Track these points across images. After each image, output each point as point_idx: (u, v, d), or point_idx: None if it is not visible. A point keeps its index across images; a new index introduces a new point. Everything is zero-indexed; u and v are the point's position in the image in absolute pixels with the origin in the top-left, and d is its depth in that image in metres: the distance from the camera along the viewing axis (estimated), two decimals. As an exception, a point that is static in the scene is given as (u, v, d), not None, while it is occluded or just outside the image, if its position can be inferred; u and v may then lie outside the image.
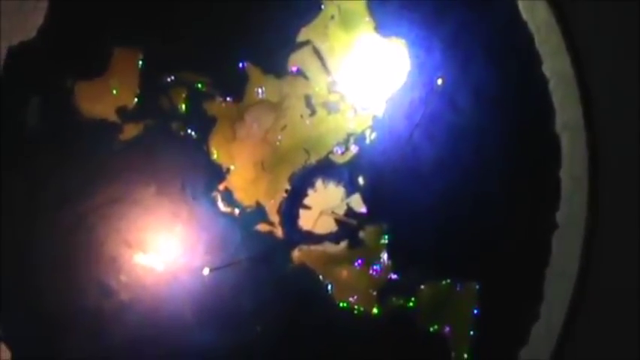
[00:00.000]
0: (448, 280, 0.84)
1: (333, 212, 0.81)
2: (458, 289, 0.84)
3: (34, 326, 0.80)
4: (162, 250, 0.79)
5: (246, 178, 0.82)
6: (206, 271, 0.79)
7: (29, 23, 0.78)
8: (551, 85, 0.83)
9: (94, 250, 0.80)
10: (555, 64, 0.84)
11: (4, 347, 0.79)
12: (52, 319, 0.80)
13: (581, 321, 0.85)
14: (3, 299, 0.77)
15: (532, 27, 0.83)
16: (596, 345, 0.86)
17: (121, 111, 0.81)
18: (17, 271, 0.79)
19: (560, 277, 0.84)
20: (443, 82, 0.81)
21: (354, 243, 0.84)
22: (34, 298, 0.79)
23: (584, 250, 0.84)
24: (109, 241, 0.80)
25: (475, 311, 0.85)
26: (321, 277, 0.83)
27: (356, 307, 0.84)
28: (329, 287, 0.84)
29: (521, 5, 0.83)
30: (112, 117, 0.81)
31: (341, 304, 0.84)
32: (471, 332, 0.85)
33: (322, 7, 0.81)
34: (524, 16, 0.83)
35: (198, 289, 0.81)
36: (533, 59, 0.84)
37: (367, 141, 0.83)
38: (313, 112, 0.82)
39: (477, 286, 0.84)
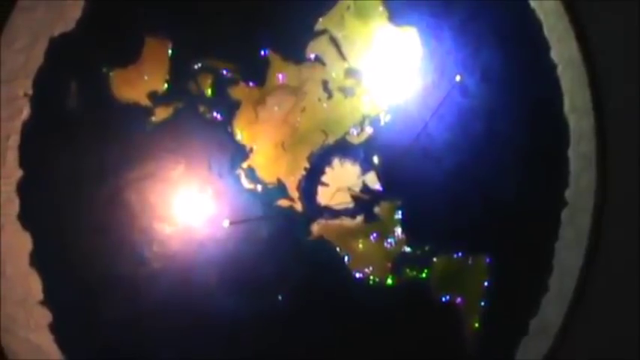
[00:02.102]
0: (459, 254, 0.96)
1: (349, 189, 0.95)
2: (469, 261, 0.96)
3: (74, 291, 0.91)
4: (190, 223, 0.92)
5: (268, 157, 0.93)
6: (226, 223, 0.92)
7: (68, 16, 0.90)
8: (559, 70, 0.94)
9: (128, 222, 0.91)
10: (563, 50, 0.94)
11: (45, 311, 0.92)
12: (91, 284, 0.90)
13: (590, 293, 0.96)
14: (46, 266, 0.91)
15: (540, 14, 0.93)
16: (604, 317, 0.96)
17: (152, 95, 0.92)
18: (59, 239, 0.90)
19: (569, 251, 0.95)
20: (461, 78, 0.92)
21: (370, 217, 0.95)
22: (74, 265, 0.91)
23: (592, 225, 0.95)
24: (143, 214, 0.91)
25: (486, 283, 0.96)
26: (338, 249, 0.95)
27: (371, 277, 0.95)
28: (345, 258, 0.95)
29: None
30: (144, 101, 0.91)
31: (357, 275, 0.96)
32: (482, 303, 0.96)
33: (339, -2, 0.93)
34: (533, 3, 0.93)
35: (224, 259, 0.92)
36: (541, 45, 0.94)
37: (381, 123, 0.94)
38: (330, 96, 0.93)
39: (488, 259, 0.95)
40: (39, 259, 0.91)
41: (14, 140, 0.90)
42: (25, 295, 0.91)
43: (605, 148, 0.95)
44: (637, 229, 0.95)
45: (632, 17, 0.95)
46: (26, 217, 0.91)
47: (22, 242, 0.91)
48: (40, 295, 0.92)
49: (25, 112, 0.90)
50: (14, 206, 0.91)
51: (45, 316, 0.92)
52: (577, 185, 0.95)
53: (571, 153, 0.95)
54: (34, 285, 0.91)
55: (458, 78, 0.92)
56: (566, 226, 0.96)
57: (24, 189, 0.91)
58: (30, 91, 0.90)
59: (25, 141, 0.90)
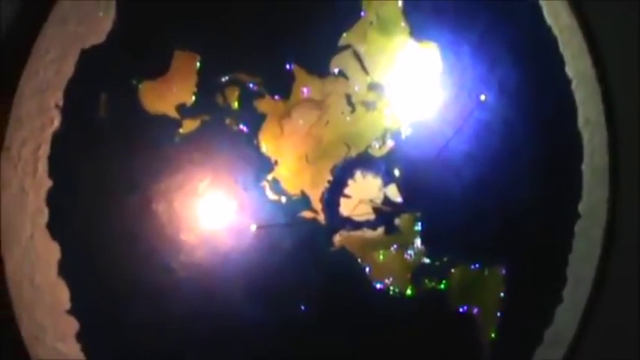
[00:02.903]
0: (476, 265, 1.01)
1: (371, 201, 1.00)
2: (486, 273, 1.01)
3: (101, 300, 0.94)
4: (216, 234, 0.97)
5: (292, 170, 0.97)
6: (253, 228, 0.97)
7: (99, 28, 0.93)
8: (574, 85, 0.99)
9: (156, 232, 0.94)
10: (577, 66, 0.99)
11: (72, 320, 0.95)
12: (117, 293, 0.93)
13: (603, 304, 1.02)
14: (74, 275, 0.95)
15: (556, 31, 0.99)
16: (617, 327, 1.02)
17: (181, 107, 0.95)
18: (87, 249, 0.93)
19: (583, 263, 1.00)
20: (486, 98, 0.98)
21: (390, 229, 0.99)
22: (101, 274, 0.94)
23: (604, 238, 1.01)
24: (170, 224, 0.95)
25: (502, 294, 1.01)
26: (359, 260, 0.99)
27: (391, 288, 1.00)
28: (367, 269, 1.00)
29: (545, 11, 0.98)
30: (173, 113, 0.95)
31: (377, 285, 1.01)
32: (498, 313, 1.01)
33: (362, 14, 0.99)
34: (549, 21, 0.98)
35: (248, 269, 0.96)
36: (557, 61, 0.99)
37: (402, 136, 0.99)
38: (353, 110, 0.97)
39: (504, 271, 1.01)
40: (67, 269, 0.94)
41: (44, 150, 0.92)
42: (54, 304, 0.94)
43: (617, 162, 0.99)
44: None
45: None
46: (55, 227, 0.93)
47: (51, 251, 0.93)
48: (67, 304, 0.94)
49: (56, 123, 0.93)
50: (44, 216, 0.92)
51: (72, 325, 0.94)
52: (590, 198, 1.00)
53: (584, 167, 1.00)
54: (62, 294, 0.94)
55: (483, 97, 0.96)
56: (580, 238, 1.01)
57: (53, 199, 0.93)
58: (61, 102, 0.93)
59: (55, 151, 0.93)
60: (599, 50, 0.99)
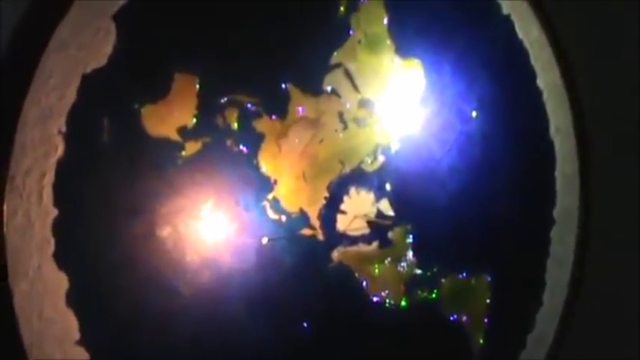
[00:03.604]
0: (464, 274, 1.11)
1: (365, 215, 1.10)
2: (473, 281, 1.11)
3: (110, 328, 0.96)
4: (219, 255, 1.03)
5: (290, 189, 1.01)
6: (265, 240, 1.03)
7: (100, 52, 0.95)
8: (545, 96, 1.09)
9: (162, 256, 0.97)
10: (547, 78, 1.08)
11: (81, 350, 0.99)
12: (126, 319, 0.96)
13: (580, 305, 1.11)
14: (82, 304, 1.00)
15: (527, 45, 1.07)
16: (595, 327, 1.12)
17: (182, 130, 0.99)
18: (94, 276, 0.95)
19: (559, 267, 1.10)
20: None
21: (384, 243, 1.06)
22: (109, 302, 0.96)
23: (578, 241, 1.13)
24: (175, 248, 1.00)
25: (488, 301, 1.11)
26: (357, 274, 1.08)
27: (387, 300, 1.08)
28: (364, 283, 1.07)
29: (517, 26, 1.06)
30: (174, 136, 0.98)
31: (374, 298, 1.10)
32: (486, 320, 1.10)
33: (351, 32, 1.09)
34: (520, 35, 1.07)
35: (252, 288, 1.00)
36: (528, 73, 1.09)
37: (392, 151, 1.06)
38: (346, 127, 1.03)
39: (489, 278, 1.11)
40: (75, 298, 0.96)
41: (49, 178, 0.94)
42: (63, 335, 0.96)
43: (586, 168, 1.10)
44: (620, 243, 1.12)
45: (610, 43, 1.11)
46: (61, 256, 0.96)
47: (59, 282, 0.95)
48: (77, 335, 0.97)
49: (60, 150, 0.95)
50: (50, 246, 0.96)
51: (82, 355, 0.97)
52: (563, 204, 1.10)
53: (557, 173, 1.10)
54: (71, 324, 0.96)
55: (474, 114, 1.06)
56: (556, 243, 1.11)
57: (59, 227, 0.95)
58: (64, 129, 0.95)
59: (60, 179, 0.95)
60: (567, 62, 1.08)
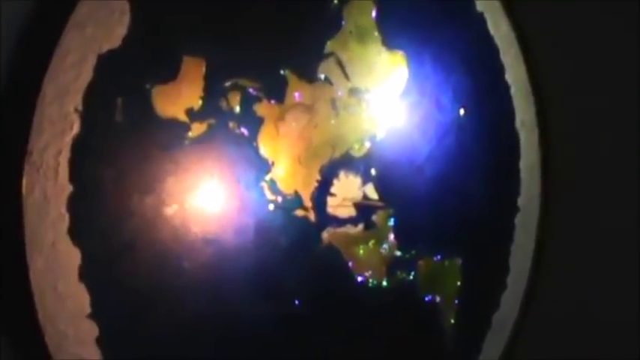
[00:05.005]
0: (439, 257, 1.21)
1: (352, 198, 1.19)
2: (446, 264, 1.21)
3: (120, 304, 1.00)
4: (223, 234, 1.08)
5: (286, 170, 1.08)
6: (271, 207, 1.09)
7: (115, 33, 0.99)
8: (512, 90, 1.21)
9: (169, 234, 1.03)
10: (515, 72, 1.18)
11: (92, 324, 1.03)
12: (136, 296, 1.01)
13: (540, 287, 1.24)
14: (94, 280, 1.05)
15: (497, 41, 1.16)
16: (555, 307, 1.23)
17: (189, 111, 1.05)
18: (106, 253, 0.99)
19: (522, 252, 1.21)
20: (465, 112, 1.18)
21: (369, 225, 1.15)
22: (121, 278, 1.00)
23: (539, 228, 1.25)
24: (182, 227, 1.05)
25: (459, 283, 1.22)
26: (344, 255, 1.16)
27: (370, 280, 1.17)
28: (349, 264, 1.14)
29: (489, 23, 1.16)
30: (182, 117, 1.03)
31: (359, 278, 1.17)
32: (456, 301, 1.20)
33: (343, 23, 1.17)
34: (492, 31, 1.16)
35: (250, 267, 1.07)
36: (499, 68, 1.19)
37: (377, 138, 1.14)
38: (337, 114, 1.11)
39: (460, 261, 1.21)
40: (87, 273, 1.00)
41: (65, 155, 0.99)
42: (75, 310, 0.99)
43: (548, 159, 1.22)
44: (579, 230, 1.23)
45: (574, 40, 1.22)
46: (75, 232, 1.01)
47: (72, 258, 1.00)
48: (88, 309, 1.00)
49: (76, 127, 0.99)
50: (64, 222, 1.00)
51: (92, 329, 1.00)
52: (527, 193, 1.22)
53: (522, 164, 1.21)
54: (83, 299, 1.00)
55: (462, 112, 1.16)
56: (519, 229, 1.21)
57: (74, 204, 0.99)
58: (80, 107, 0.99)
59: (75, 156, 0.98)
60: (532, 58, 1.18)
